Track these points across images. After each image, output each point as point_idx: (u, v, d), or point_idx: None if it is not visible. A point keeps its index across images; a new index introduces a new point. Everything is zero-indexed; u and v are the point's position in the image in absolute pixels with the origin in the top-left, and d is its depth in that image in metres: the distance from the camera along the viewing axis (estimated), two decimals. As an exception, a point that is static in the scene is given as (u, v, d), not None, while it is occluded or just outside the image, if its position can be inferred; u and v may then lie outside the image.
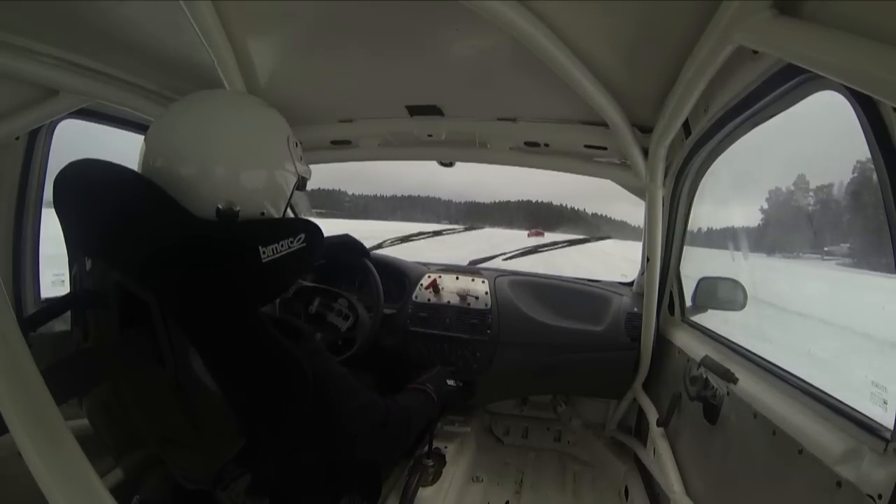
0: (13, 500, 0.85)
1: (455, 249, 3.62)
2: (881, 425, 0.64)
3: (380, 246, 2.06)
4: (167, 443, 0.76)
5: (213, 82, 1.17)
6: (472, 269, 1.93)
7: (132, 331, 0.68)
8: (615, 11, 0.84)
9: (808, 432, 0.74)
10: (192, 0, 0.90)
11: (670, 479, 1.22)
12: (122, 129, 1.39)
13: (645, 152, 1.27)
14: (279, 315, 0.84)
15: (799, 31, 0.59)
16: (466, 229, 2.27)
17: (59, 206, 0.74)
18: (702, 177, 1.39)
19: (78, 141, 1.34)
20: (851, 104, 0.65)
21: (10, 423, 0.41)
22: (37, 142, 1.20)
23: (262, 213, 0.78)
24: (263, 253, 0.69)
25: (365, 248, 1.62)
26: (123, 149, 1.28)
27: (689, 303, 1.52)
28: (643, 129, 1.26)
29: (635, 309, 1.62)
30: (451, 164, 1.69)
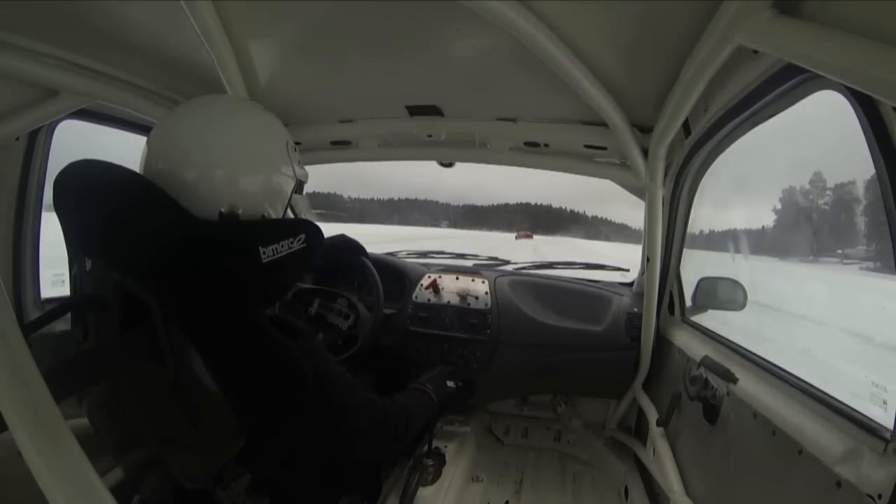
0: (13, 499, 0.85)
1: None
2: (881, 425, 0.64)
3: (393, 255, 2.07)
4: (167, 442, 0.76)
5: (213, 82, 1.17)
6: (473, 269, 1.93)
7: (132, 331, 0.68)
8: (615, 12, 0.84)
9: (808, 432, 0.74)
10: (192, 0, 0.90)
11: (670, 479, 1.22)
12: (122, 129, 1.39)
13: (645, 152, 1.27)
14: (277, 314, 0.84)
15: (799, 31, 0.59)
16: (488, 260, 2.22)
17: (59, 206, 0.74)
18: (702, 177, 1.39)
19: (78, 141, 1.34)
20: (851, 104, 0.65)
21: (10, 422, 0.41)
22: (37, 142, 1.20)
23: (263, 216, 0.79)
24: (263, 253, 0.69)
25: (362, 246, 1.62)
26: (123, 149, 1.28)
27: (689, 303, 1.52)
28: (643, 129, 1.26)
29: (635, 309, 1.62)
30: (450, 165, 1.69)
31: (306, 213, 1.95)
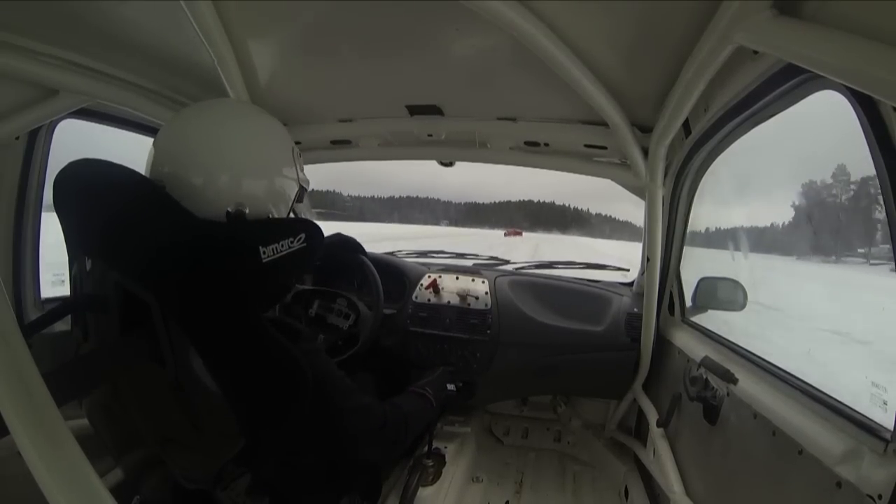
0: (13, 499, 0.85)
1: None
2: (881, 426, 0.64)
3: (391, 254, 2.07)
4: (167, 443, 0.76)
5: (213, 82, 1.17)
6: (473, 269, 1.93)
7: (132, 334, 0.68)
8: (615, 11, 0.84)
9: (808, 433, 0.74)
10: (192, 0, 0.90)
11: (670, 479, 1.22)
12: (122, 129, 1.39)
13: (645, 152, 1.27)
14: (277, 316, 0.84)
15: (799, 31, 0.59)
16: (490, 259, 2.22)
17: (59, 205, 0.74)
18: (702, 176, 1.39)
19: (78, 141, 1.34)
20: (851, 104, 0.65)
21: (10, 423, 0.41)
22: (37, 142, 1.20)
23: (268, 217, 0.79)
24: (263, 253, 0.69)
25: (359, 243, 1.62)
26: (123, 149, 1.29)
27: (689, 303, 1.52)
28: (643, 129, 1.26)
29: (635, 309, 1.62)
30: (450, 164, 1.69)
31: (306, 213, 1.96)
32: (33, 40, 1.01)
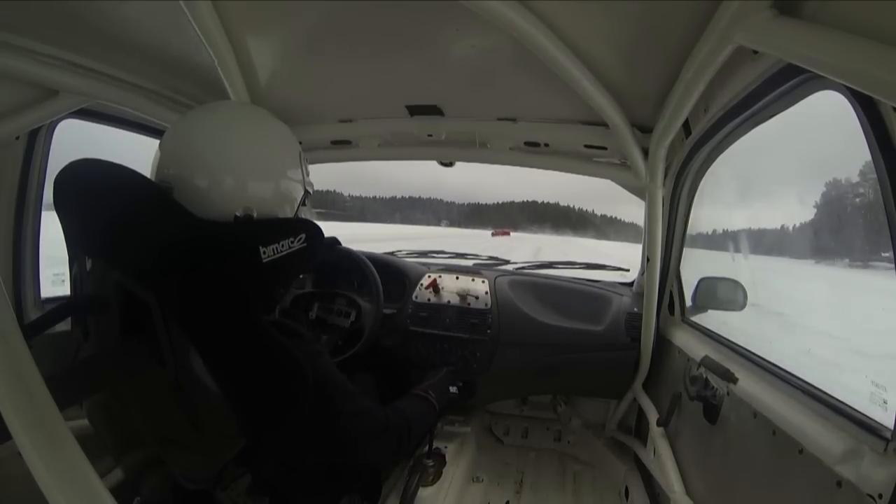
0: (13, 499, 0.85)
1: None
2: (881, 425, 0.64)
3: (391, 254, 2.07)
4: (167, 443, 0.76)
5: (213, 82, 1.17)
6: (473, 268, 1.93)
7: (133, 331, 0.68)
8: (615, 12, 0.84)
9: (808, 432, 0.74)
10: (192, 0, 0.90)
11: (670, 478, 1.22)
12: (122, 129, 1.39)
13: (645, 152, 1.27)
14: (277, 318, 0.84)
15: (799, 31, 0.59)
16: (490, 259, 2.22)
17: (59, 205, 0.74)
18: (702, 177, 1.39)
19: (78, 141, 1.33)
20: (851, 104, 0.65)
21: (10, 423, 0.41)
22: (37, 142, 1.20)
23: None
24: (264, 253, 0.69)
25: (334, 237, 1.61)
26: (123, 149, 1.28)
27: (689, 303, 1.52)
28: (643, 129, 1.26)
29: (635, 309, 1.62)
30: (451, 164, 1.69)
31: (306, 213, 1.95)
32: (33, 40, 1.01)
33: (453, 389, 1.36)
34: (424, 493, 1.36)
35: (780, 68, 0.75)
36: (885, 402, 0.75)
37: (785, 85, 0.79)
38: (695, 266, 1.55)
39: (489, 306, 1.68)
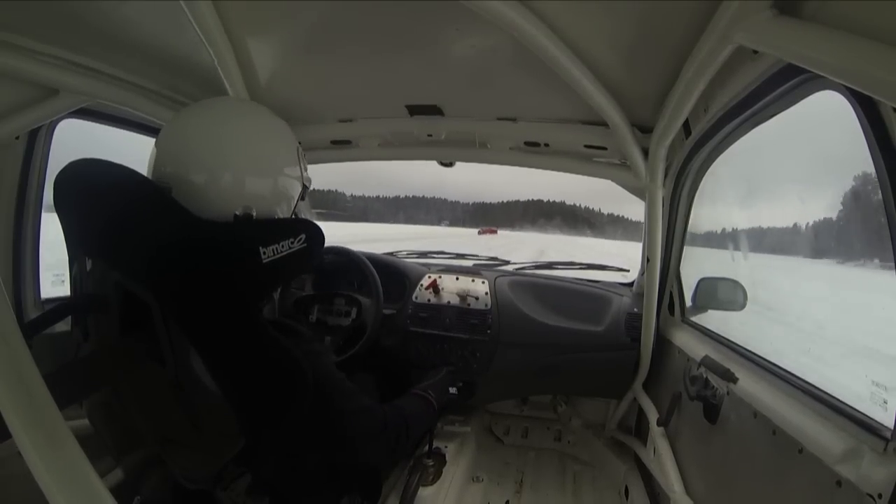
0: (13, 500, 0.85)
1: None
2: (881, 425, 0.64)
3: (391, 255, 2.07)
4: (167, 442, 0.76)
5: (213, 82, 1.17)
6: (473, 269, 1.94)
7: (132, 331, 0.68)
8: (615, 12, 0.84)
9: (808, 432, 0.74)
10: (192, 0, 0.90)
11: (670, 478, 1.22)
12: (122, 128, 1.39)
13: (645, 152, 1.27)
14: (277, 318, 0.84)
15: (799, 31, 0.59)
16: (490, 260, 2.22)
17: (59, 205, 0.74)
18: (702, 177, 1.39)
19: (78, 141, 1.33)
20: (851, 104, 0.65)
21: (10, 422, 0.41)
22: (37, 141, 1.20)
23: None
24: (264, 254, 0.69)
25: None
26: (123, 148, 1.28)
27: (689, 303, 1.52)
28: (643, 129, 1.26)
29: (635, 309, 1.62)
30: (451, 165, 1.69)
31: (306, 213, 1.96)
32: (33, 40, 1.01)
33: (453, 390, 1.37)
34: (424, 493, 1.36)
35: (780, 68, 0.75)
36: (885, 402, 0.75)
37: (785, 85, 0.79)
38: (695, 266, 1.55)
39: (489, 307, 1.68)
